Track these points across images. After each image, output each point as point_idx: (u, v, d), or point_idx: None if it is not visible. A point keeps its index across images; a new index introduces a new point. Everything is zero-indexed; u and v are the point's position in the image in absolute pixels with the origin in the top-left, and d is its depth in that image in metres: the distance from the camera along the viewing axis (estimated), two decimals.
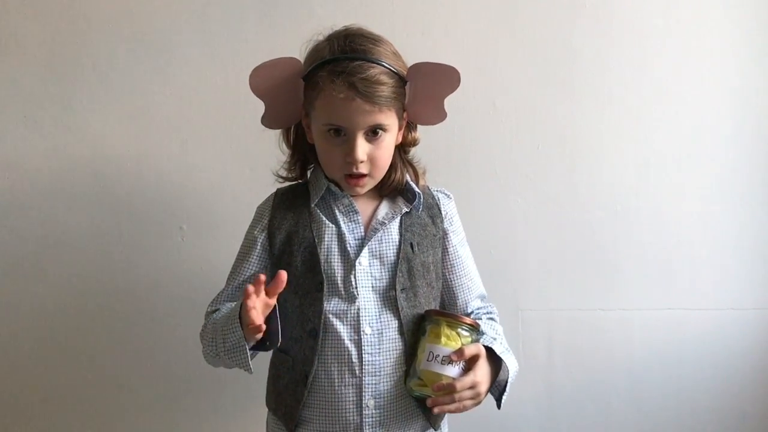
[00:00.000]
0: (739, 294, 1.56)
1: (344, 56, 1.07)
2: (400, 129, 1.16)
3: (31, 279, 1.52)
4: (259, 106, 1.19)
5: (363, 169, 1.10)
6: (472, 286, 1.23)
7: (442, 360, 1.06)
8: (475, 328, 1.11)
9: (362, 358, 1.09)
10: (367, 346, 1.09)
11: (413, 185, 1.18)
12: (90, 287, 1.53)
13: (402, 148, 1.20)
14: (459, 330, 1.09)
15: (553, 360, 1.57)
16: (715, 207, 1.56)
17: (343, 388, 1.09)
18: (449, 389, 1.05)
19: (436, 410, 1.07)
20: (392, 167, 1.16)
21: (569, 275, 1.56)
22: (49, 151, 1.51)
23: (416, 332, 1.12)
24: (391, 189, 1.18)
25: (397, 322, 1.11)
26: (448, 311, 1.18)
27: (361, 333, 1.09)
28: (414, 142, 1.21)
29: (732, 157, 1.55)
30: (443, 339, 1.07)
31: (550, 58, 1.54)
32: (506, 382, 1.15)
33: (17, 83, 1.51)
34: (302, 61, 1.13)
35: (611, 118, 1.55)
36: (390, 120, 1.10)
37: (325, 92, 1.07)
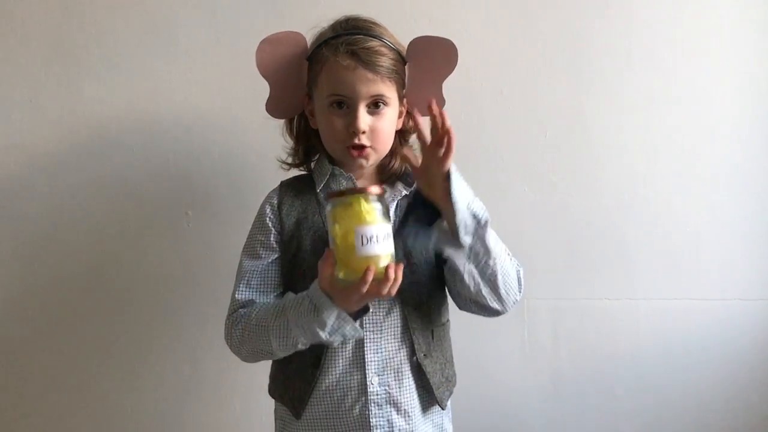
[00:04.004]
0: (745, 284, 1.55)
1: (346, 33, 1.11)
2: (400, 116, 1.19)
3: (36, 263, 1.52)
4: (265, 93, 1.19)
5: (365, 140, 1.11)
6: None
7: (377, 239, 0.97)
8: (382, 196, 1.02)
9: (364, 335, 1.10)
10: (368, 323, 1.10)
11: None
12: (95, 272, 1.53)
13: (402, 135, 1.22)
14: (372, 204, 0.99)
15: (558, 349, 1.56)
16: (722, 197, 1.55)
17: (347, 367, 1.10)
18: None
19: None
20: (392, 153, 1.19)
21: (575, 264, 1.55)
22: (55, 135, 1.51)
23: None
24: (390, 174, 1.19)
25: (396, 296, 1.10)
26: (349, 187, 1.07)
27: None
28: (414, 128, 1.21)
29: (740, 147, 1.54)
30: (366, 217, 0.98)
31: (558, 45, 1.53)
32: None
33: (22, 67, 1.50)
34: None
35: (619, 106, 1.54)
36: (391, 93, 1.12)
37: (329, 63, 1.11)
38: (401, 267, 1.00)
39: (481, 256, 1.08)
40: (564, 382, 1.57)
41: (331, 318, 1.03)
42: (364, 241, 0.97)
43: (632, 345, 1.56)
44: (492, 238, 1.10)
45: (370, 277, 0.97)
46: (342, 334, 1.04)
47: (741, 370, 1.56)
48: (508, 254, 1.15)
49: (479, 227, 1.07)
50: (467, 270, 1.10)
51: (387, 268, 0.98)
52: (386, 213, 1.01)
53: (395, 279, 0.99)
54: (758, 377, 1.56)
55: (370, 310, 1.08)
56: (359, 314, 1.05)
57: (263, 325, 1.10)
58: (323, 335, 1.04)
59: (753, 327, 1.56)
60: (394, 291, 1.01)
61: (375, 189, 1.00)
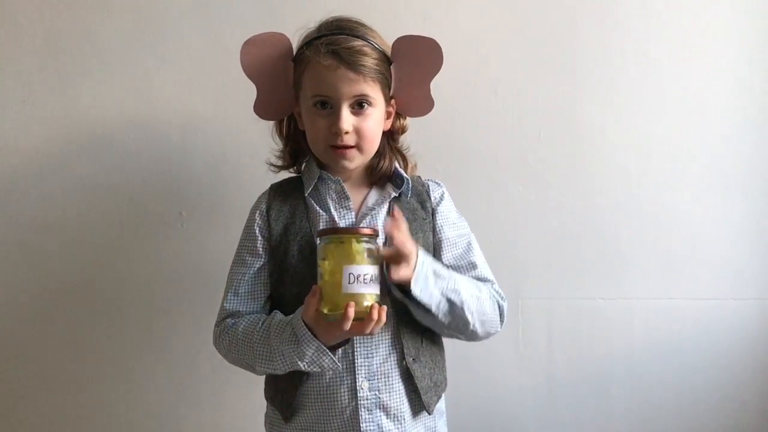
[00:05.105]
0: (739, 284, 1.56)
1: (329, 33, 1.11)
2: (388, 117, 1.19)
3: (29, 264, 1.52)
4: None
5: (348, 140, 1.11)
6: (463, 268, 1.19)
7: (364, 279, 1.00)
8: (373, 236, 1.04)
9: (353, 339, 1.09)
10: None
11: (402, 171, 1.20)
12: (89, 273, 1.53)
13: (391, 136, 1.22)
14: (363, 244, 1.02)
15: (552, 349, 1.56)
16: (716, 196, 1.55)
17: (337, 372, 1.10)
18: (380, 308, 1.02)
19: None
20: (381, 155, 1.19)
21: (570, 264, 1.56)
22: (48, 135, 1.51)
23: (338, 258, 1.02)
24: (379, 176, 1.19)
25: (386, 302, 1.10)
26: (344, 226, 1.11)
27: None
28: (402, 130, 1.24)
29: (734, 147, 1.55)
30: (356, 256, 1.00)
31: (552, 45, 1.53)
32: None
33: (16, 67, 1.50)
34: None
35: (613, 106, 1.54)
36: (375, 93, 1.12)
37: (312, 63, 1.11)
38: (385, 309, 1.01)
39: (458, 322, 1.11)
40: (558, 382, 1.57)
41: (310, 350, 1.05)
42: (351, 280, 0.99)
43: (626, 344, 1.56)
44: (469, 302, 1.11)
45: (352, 314, 0.98)
46: (320, 366, 1.06)
47: (735, 368, 1.56)
48: (489, 295, 1.15)
49: (455, 307, 1.09)
50: (444, 332, 1.15)
51: (371, 308, 1.00)
52: (377, 255, 1.02)
53: (378, 320, 1.00)
54: (752, 376, 1.56)
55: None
56: (339, 344, 1.07)
57: (249, 344, 1.11)
58: (302, 365, 1.06)
59: (746, 326, 1.56)
60: (376, 331, 1.03)
61: (367, 230, 1.03)
